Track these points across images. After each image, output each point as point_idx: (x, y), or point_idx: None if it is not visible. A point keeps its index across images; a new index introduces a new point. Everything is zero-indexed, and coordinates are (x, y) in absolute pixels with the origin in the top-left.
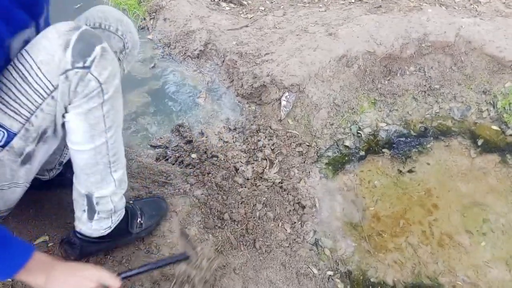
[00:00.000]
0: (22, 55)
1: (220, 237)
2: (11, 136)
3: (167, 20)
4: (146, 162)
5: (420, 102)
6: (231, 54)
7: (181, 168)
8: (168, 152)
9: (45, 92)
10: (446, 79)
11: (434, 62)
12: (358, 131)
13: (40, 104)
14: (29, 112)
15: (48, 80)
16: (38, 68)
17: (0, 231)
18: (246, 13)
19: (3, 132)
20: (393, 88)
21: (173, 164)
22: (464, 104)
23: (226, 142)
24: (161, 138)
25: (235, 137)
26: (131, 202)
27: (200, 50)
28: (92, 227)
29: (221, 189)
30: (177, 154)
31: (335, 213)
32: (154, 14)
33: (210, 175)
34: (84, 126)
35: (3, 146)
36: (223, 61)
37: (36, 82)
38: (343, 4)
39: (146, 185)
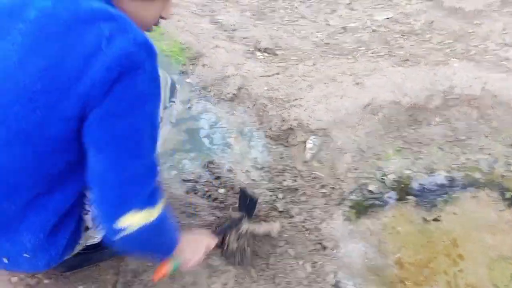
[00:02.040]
0: None
1: (241, 269)
2: None
3: (206, 66)
4: (176, 193)
5: (446, 152)
6: (262, 98)
7: (208, 201)
8: (198, 186)
9: None
10: (473, 131)
11: (460, 114)
12: (383, 177)
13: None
14: None
15: None
16: None
17: (170, 215)
18: (279, 62)
19: None
20: (418, 137)
21: (202, 198)
22: (492, 156)
23: (253, 180)
24: (192, 173)
25: (262, 175)
26: None
27: (234, 94)
28: (97, 234)
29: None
30: (205, 189)
31: (357, 257)
32: (194, 60)
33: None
34: None
35: None
36: (254, 105)
37: None
38: (371, 56)
39: (175, 215)
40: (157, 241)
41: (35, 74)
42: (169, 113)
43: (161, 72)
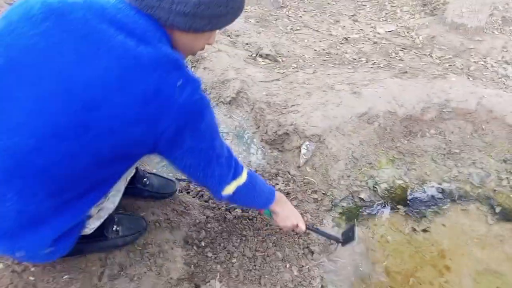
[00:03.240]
0: None
1: (228, 269)
2: None
3: (207, 69)
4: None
5: (439, 164)
6: (260, 103)
7: (200, 201)
8: (191, 186)
9: None
10: (466, 145)
11: (455, 127)
12: (374, 186)
13: None
14: None
15: None
16: None
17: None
18: (279, 69)
19: None
20: (412, 148)
21: (194, 197)
22: (484, 171)
23: None
24: None
25: None
26: None
27: (232, 97)
28: (91, 225)
29: (235, 224)
30: (198, 188)
31: (344, 263)
32: (196, 63)
33: (226, 210)
34: None
35: None
36: (252, 109)
37: None
38: (371, 67)
39: (165, 212)
40: (251, 195)
41: (121, 107)
42: None
43: None
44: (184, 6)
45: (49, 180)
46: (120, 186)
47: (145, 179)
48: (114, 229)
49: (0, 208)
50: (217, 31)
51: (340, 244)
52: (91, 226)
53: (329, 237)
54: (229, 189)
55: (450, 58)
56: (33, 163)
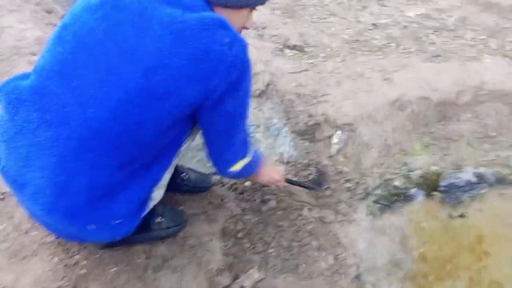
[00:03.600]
0: None
1: (265, 259)
2: None
3: None
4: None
5: (476, 148)
6: (290, 94)
7: (235, 193)
8: (225, 179)
9: None
10: (504, 128)
11: (491, 110)
12: (409, 172)
13: None
14: None
15: None
16: None
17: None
18: (308, 59)
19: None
20: (447, 133)
21: (228, 190)
22: None
23: None
24: None
25: (288, 169)
26: None
27: (262, 90)
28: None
29: (270, 215)
30: (232, 181)
31: (380, 251)
32: None
33: (261, 202)
34: None
35: None
36: (282, 100)
37: None
38: (402, 53)
39: (203, 205)
40: (250, 171)
41: (176, 68)
42: None
43: None
44: None
45: (120, 150)
46: (166, 179)
47: (183, 174)
48: (157, 221)
49: (75, 183)
50: (254, 13)
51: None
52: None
53: (306, 187)
54: (238, 166)
55: (484, 39)
56: (107, 133)
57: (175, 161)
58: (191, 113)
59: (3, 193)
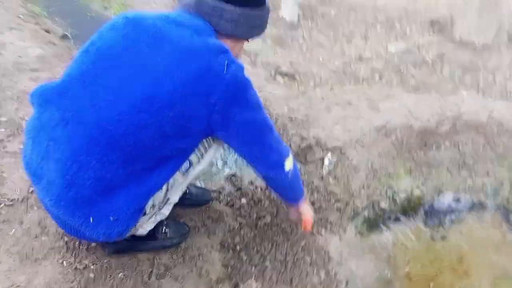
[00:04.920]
0: None
1: (262, 271)
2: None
3: None
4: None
5: (454, 175)
6: (283, 118)
7: (232, 209)
8: (221, 197)
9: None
10: (480, 156)
11: (468, 139)
12: (394, 195)
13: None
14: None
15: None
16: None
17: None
18: (298, 86)
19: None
20: (428, 160)
21: (225, 205)
22: (497, 181)
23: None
24: (216, 184)
25: None
26: None
27: None
28: (146, 227)
29: (266, 230)
30: (228, 198)
31: (367, 268)
32: None
33: (257, 218)
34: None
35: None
36: (275, 124)
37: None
38: (385, 84)
39: (202, 219)
40: (298, 178)
41: (181, 81)
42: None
43: None
44: (231, 15)
45: (124, 149)
46: (175, 199)
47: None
48: (163, 231)
49: (82, 175)
50: (244, 45)
51: None
52: (148, 227)
53: None
54: (289, 162)
55: (459, 75)
56: (114, 133)
57: (183, 180)
58: (196, 129)
59: (11, 200)
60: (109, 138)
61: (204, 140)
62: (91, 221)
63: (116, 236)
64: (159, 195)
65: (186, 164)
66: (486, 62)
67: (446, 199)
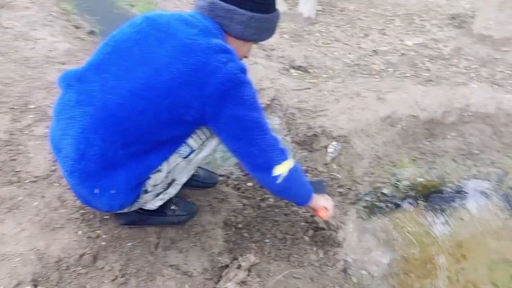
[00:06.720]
0: None
1: (261, 247)
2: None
3: None
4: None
5: (459, 164)
6: (292, 108)
7: (237, 192)
8: (229, 180)
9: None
10: (486, 146)
11: (475, 130)
12: (396, 182)
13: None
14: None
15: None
16: None
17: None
18: (311, 78)
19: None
20: (433, 149)
21: (232, 188)
22: (502, 170)
23: None
24: (225, 169)
25: None
26: None
27: (267, 104)
28: (155, 203)
29: (268, 211)
30: (235, 182)
31: (367, 250)
32: None
33: (261, 200)
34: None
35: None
36: (285, 114)
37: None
38: (397, 77)
39: (208, 199)
40: (300, 182)
41: (178, 72)
42: None
43: None
44: (241, 17)
45: (123, 132)
46: (183, 180)
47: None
48: (172, 208)
49: (90, 151)
50: (254, 46)
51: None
52: (156, 204)
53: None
54: (280, 169)
55: (476, 67)
56: (116, 115)
57: (187, 165)
58: (189, 119)
59: (36, 176)
60: (112, 120)
61: (206, 128)
62: (97, 192)
63: (118, 208)
64: (160, 175)
65: (188, 150)
66: (505, 55)
67: (449, 187)
